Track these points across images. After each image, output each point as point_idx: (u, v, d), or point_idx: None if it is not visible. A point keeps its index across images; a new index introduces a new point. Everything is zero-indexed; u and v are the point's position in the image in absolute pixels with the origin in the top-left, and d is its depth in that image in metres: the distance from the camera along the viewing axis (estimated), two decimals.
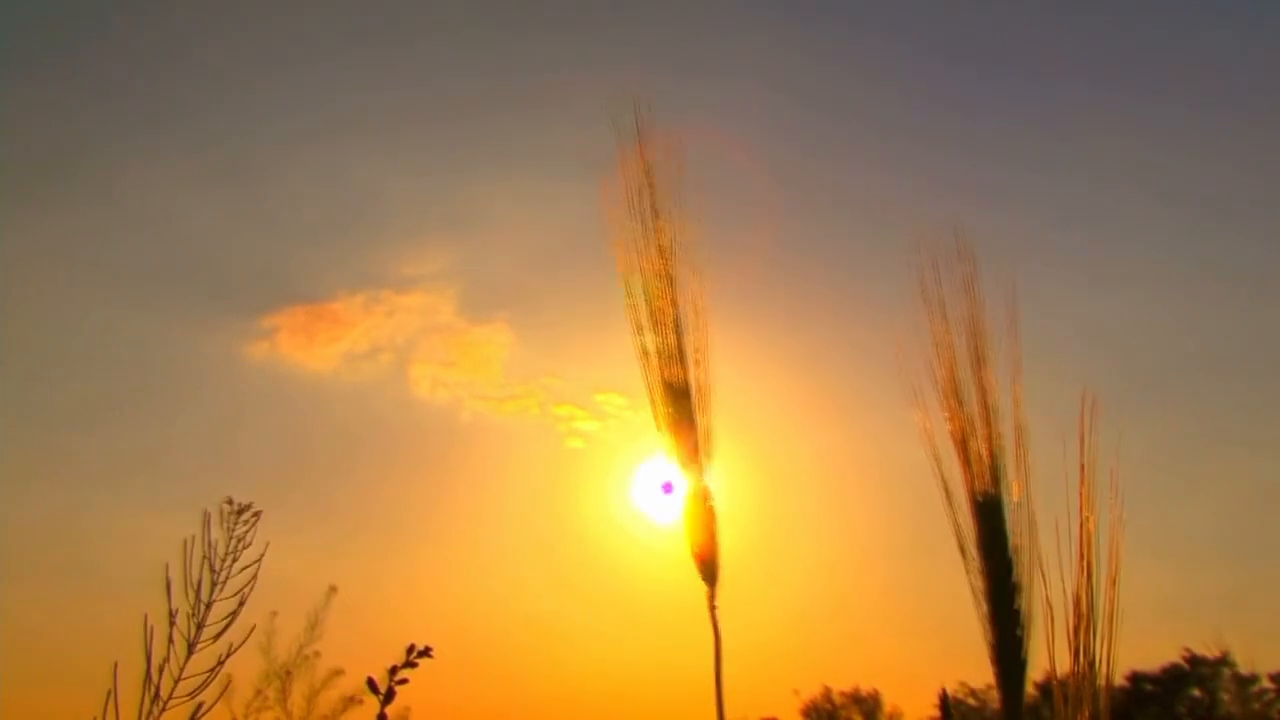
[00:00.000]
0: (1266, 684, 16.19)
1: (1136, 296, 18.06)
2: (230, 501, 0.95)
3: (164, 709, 0.95)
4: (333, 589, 5.12)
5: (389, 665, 1.02)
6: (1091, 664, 0.76)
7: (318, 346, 16.28)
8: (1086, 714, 0.76)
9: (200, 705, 0.96)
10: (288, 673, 4.77)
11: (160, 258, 16.48)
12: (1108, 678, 0.75)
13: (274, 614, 5.00)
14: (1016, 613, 0.76)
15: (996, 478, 0.76)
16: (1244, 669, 16.14)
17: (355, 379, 16.73)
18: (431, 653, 1.02)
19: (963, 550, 0.77)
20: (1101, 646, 0.76)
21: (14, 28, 14.24)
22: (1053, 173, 18.07)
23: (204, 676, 0.95)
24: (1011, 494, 0.75)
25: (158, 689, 0.94)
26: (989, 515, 0.76)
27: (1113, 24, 17.27)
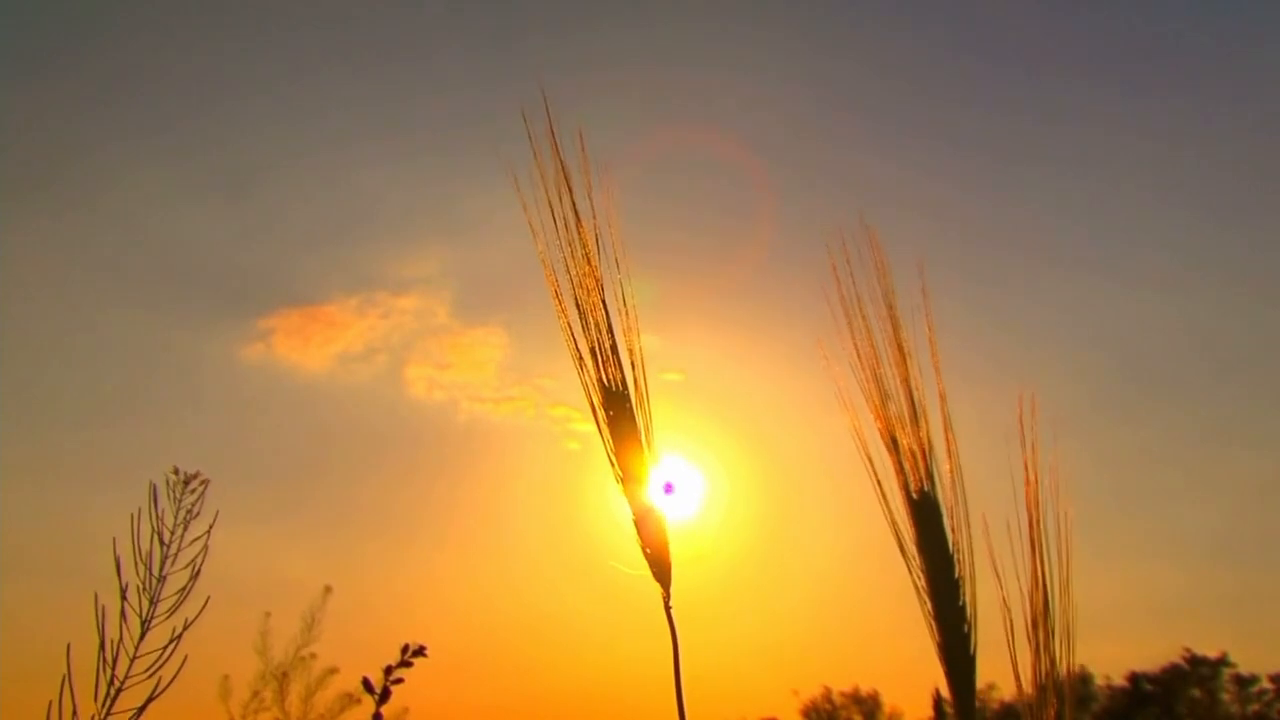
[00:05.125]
0: (1266, 684, 16.19)
1: (1138, 296, 18.03)
2: (176, 471, 0.93)
3: (121, 689, 0.93)
4: (328, 589, 5.12)
5: (384, 665, 1.01)
6: (1052, 662, 0.75)
7: (314, 348, 16.37)
8: (1052, 713, 0.75)
9: (159, 683, 0.94)
10: (284, 674, 4.77)
11: (158, 260, 16.60)
12: (1068, 674, 0.74)
13: (268, 614, 5.00)
14: (962, 609, 0.76)
15: (931, 475, 0.76)
16: (1244, 669, 16.17)
17: (351, 380, 16.83)
18: (426, 652, 1.01)
19: (902, 549, 0.76)
20: (1060, 645, 0.75)
21: (15, 32, 14.28)
22: (1055, 171, 18.02)
23: (160, 653, 0.94)
24: (946, 491, 0.75)
25: (114, 669, 0.93)
26: (925, 512, 0.76)
27: (1117, 23, 17.17)
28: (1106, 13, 17.51)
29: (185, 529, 0.93)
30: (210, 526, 0.93)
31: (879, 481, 0.76)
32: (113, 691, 0.93)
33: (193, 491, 0.93)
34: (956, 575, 0.76)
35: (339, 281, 17.34)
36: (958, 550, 0.76)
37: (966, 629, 0.76)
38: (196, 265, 17.09)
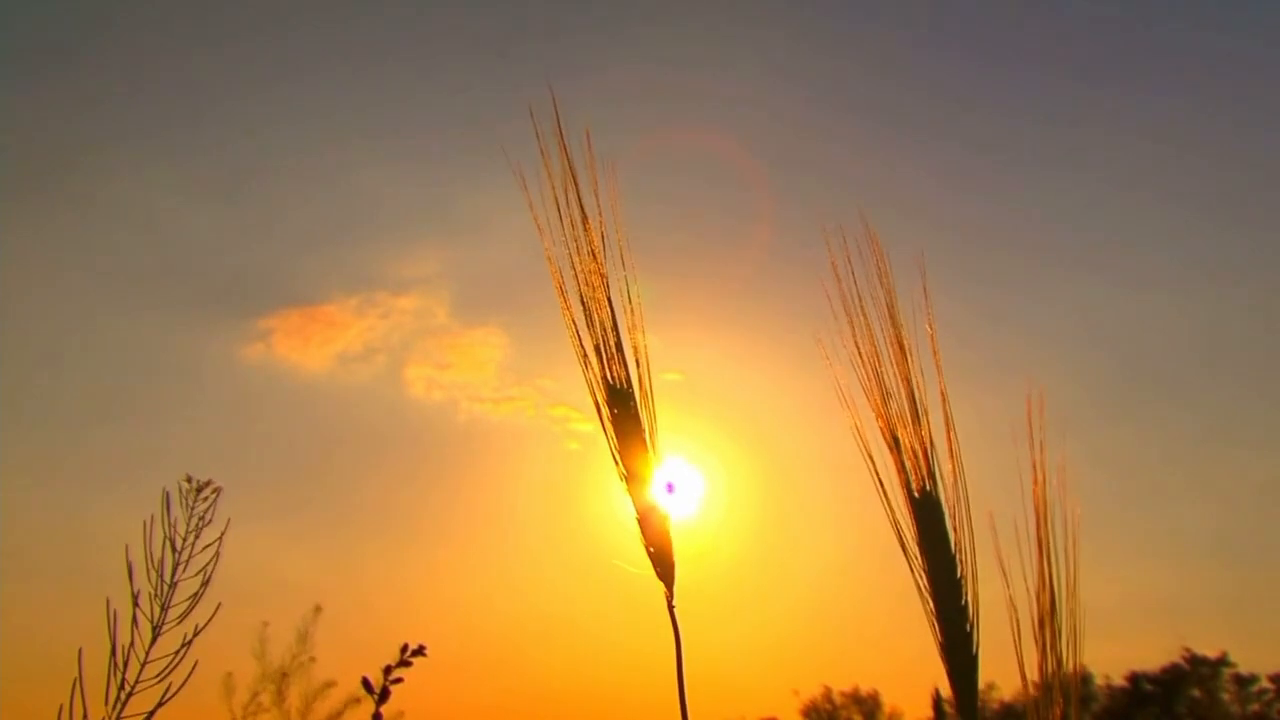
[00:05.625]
0: (1266, 684, 16.19)
1: (1138, 296, 18.03)
2: (189, 479, 0.94)
3: (131, 693, 0.94)
4: (318, 608, 5.13)
5: (383, 665, 1.01)
6: (1059, 662, 0.75)
7: (313, 348, 16.36)
8: (1058, 713, 0.75)
9: (169, 687, 0.95)
10: (284, 675, 4.77)
11: (158, 261, 16.60)
12: (1075, 674, 0.74)
13: (265, 624, 5.01)
14: (964, 608, 0.76)
15: (933, 474, 0.76)
16: (1244, 669, 16.17)
17: (351, 381, 16.82)
18: (426, 652, 1.01)
19: (904, 548, 0.76)
20: (1067, 645, 0.75)
21: (14, 33, 14.28)
22: (1056, 170, 18.02)
23: (171, 659, 0.95)
24: (948, 490, 0.76)
25: (124, 673, 0.93)
26: (927, 511, 0.76)
27: (1117, 23, 17.18)
28: (1106, 13, 17.52)
29: (197, 536, 0.94)
30: (222, 534, 0.94)
31: (880, 480, 0.77)
32: (123, 696, 0.93)
33: (205, 499, 0.94)
34: (959, 574, 0.76)
35: (339, 281, 17.35)
36: (960, 549, 0.76)
37: (969, 628, 0.76)
38: (196, 265, 17.09)
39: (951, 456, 0.75)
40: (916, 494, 0.76)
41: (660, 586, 0.82)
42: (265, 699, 4.76)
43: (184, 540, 0.93)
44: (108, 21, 15.61)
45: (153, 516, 0.92)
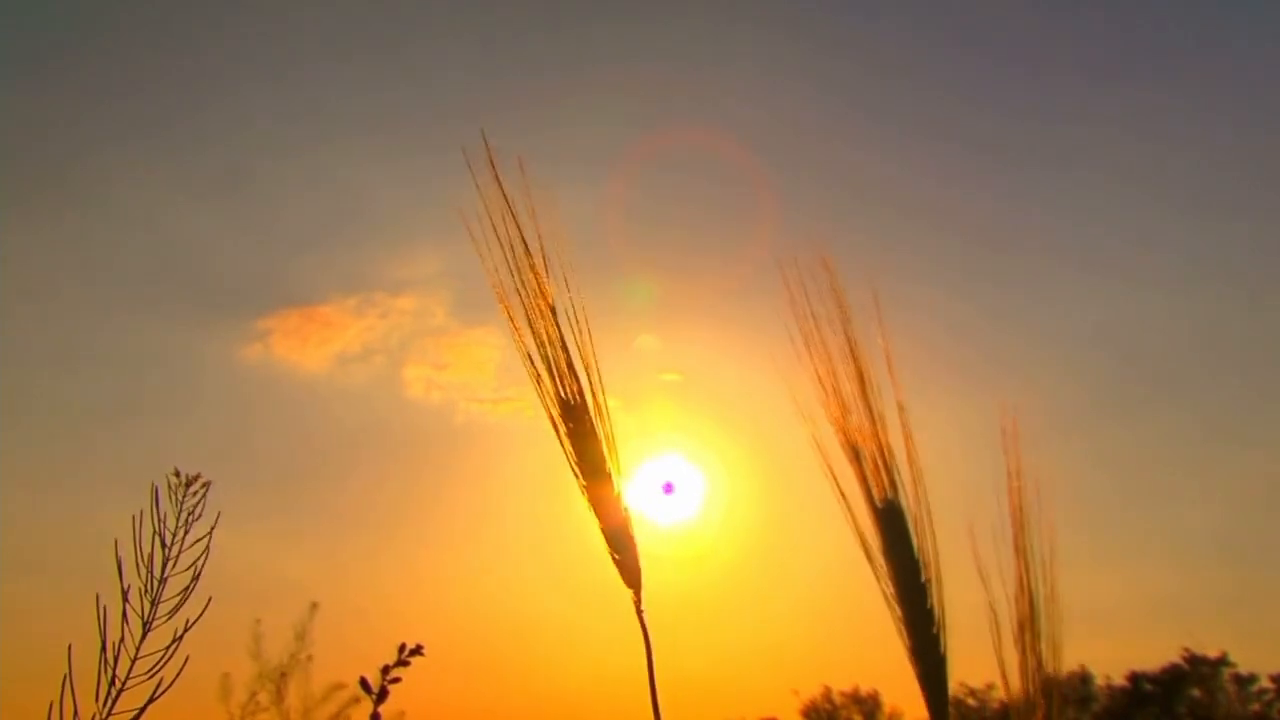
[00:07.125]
0: (1266, 684, 16.18)
1: (1138, 295, 17.99)
2: (178, 474, 0.94)
3: (122, 690, 0.94)
4: (314, 605, 5.11)
5: (381, 665, 1.02)
6: (1039, 664, 0.76)
7: (312, 349, 16.30)
8: (1040, 715, 0.77)
9: (159, 683, 0.95)
10: (282, 675, 4.76)
11: (155, 261, 16.55)
12: (1054, 676, 0.75)
13: (258, 620, 4.99)
14: (930, 612, 0.77)
15: (895, 483, 0.77)
16: (1244, 669, 16.16)
17: (349, 381, 16.76)
18: (423, 651, 1.02)
19: (869, 558, 0.78)
20: (1047, 647, 0.76)
21: (8, 32, 14.28)
22: (1055, 169, 17.97)
23: (161, 654, 0.95)
24: (909, 499, 0.77)
25: (115, 670, 0.94)
26: (890, 520, 0.77)
27: (1118, 22, 17.15)
28: (1107, 12, 17.47)
29: (186, 531, 0.94)
30: (211, 529, 0.94)
31: (842, 492, 0.79)
32: (114, 692, 0.94)
33: (194, 494, 0.94)
34: (924, 580, 0.77)
35: (337, 282, 17.29)
36: (924, 553, 0.77)
37: (935, 631, 0.77)
38: (193, 266, 17.02)
39: (910, 463, 0.76)
40: (879, 504, 0.78)
41: (629, 592, 0.84)
42: (264, 698, 4.75)
43: (173, 535, 0.94)
44: (107, 21, 15.59)
45: (142, 511, 0.92)
